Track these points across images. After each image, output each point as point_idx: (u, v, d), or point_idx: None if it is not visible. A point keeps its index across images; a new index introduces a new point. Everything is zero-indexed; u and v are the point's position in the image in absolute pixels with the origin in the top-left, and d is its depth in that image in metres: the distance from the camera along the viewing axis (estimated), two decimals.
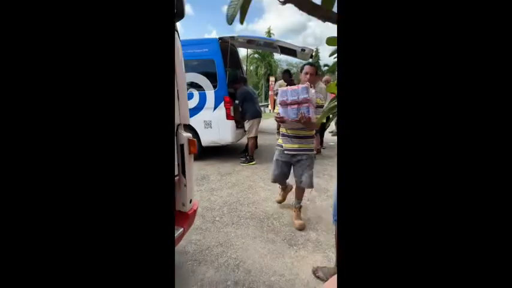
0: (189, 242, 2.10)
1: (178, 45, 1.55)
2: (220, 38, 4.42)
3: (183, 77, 1.62)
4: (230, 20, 0.36)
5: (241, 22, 0.36)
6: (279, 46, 5.03)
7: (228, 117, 4.34)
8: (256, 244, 2.10)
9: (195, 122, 4.33)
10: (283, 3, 0.34)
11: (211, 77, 4.35)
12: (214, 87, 4.35)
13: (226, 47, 4.48)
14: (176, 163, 1.59)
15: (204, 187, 3.36)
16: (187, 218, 1.66)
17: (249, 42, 5.19)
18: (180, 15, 1.24)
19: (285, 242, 2.13)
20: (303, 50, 4.80)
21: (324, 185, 3.40)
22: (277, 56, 14.99)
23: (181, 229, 1.59)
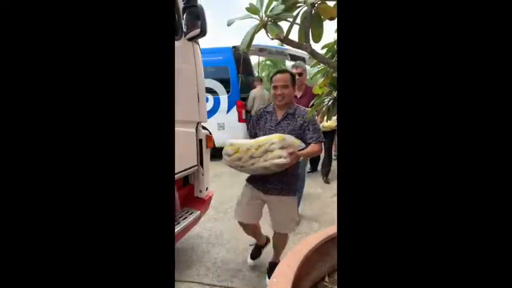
0: (203, 228, 2.36)
1: (199, 54, 1.84)
2: (233, 47, 4.74)
3: (203, 82, 1.91)
4: (242, 51, 0.62)
5: (247, 51, 0.58)
6: (289, 54, 5.31)
7: (240, 120, 4.64)
8: (263, 231, 2.33)
9: (209, 124, 4.65)
10: (272, 39, 0.59)
11: (225, 82, 4.67)
12: (228, 92, 4.67)
13: (240, 55, 4.80)
14: (196, 155, 1.87)
15: (217, 184, 3.63)
16: (203, 203, 1.93)
17: (261, 50, 5.50)
18: (204, 32, 1.53)
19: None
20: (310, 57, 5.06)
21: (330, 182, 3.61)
22: (289, 63, 15.21)
23: (199, 212, 1.85)
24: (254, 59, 7.41)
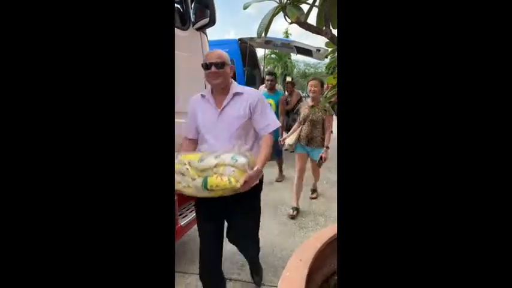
0: None
1: (206, 44, 1.81)
2: (239, 39, 4.68)
3: None
4: (259, 35, 0.59)
5: (265, 35, 0.56)
6: (295, 47, 5.23)
7: None
8: (270, 225, 2.32)
9: None
10: (291, 23, 0.56)
11: None
12: None
13: (245, 48, 4.73)
14: None
15: None
16: None
17: (267, 42, 5.42)
18: (213, 22, 1.49)
19: (296, 225, 2.34)
20: (318, 50, 4.97)
21: (334, 178, 3.58)
22: (295, 56, 15.08)
23: None
24: (260, 52, 7.33)
